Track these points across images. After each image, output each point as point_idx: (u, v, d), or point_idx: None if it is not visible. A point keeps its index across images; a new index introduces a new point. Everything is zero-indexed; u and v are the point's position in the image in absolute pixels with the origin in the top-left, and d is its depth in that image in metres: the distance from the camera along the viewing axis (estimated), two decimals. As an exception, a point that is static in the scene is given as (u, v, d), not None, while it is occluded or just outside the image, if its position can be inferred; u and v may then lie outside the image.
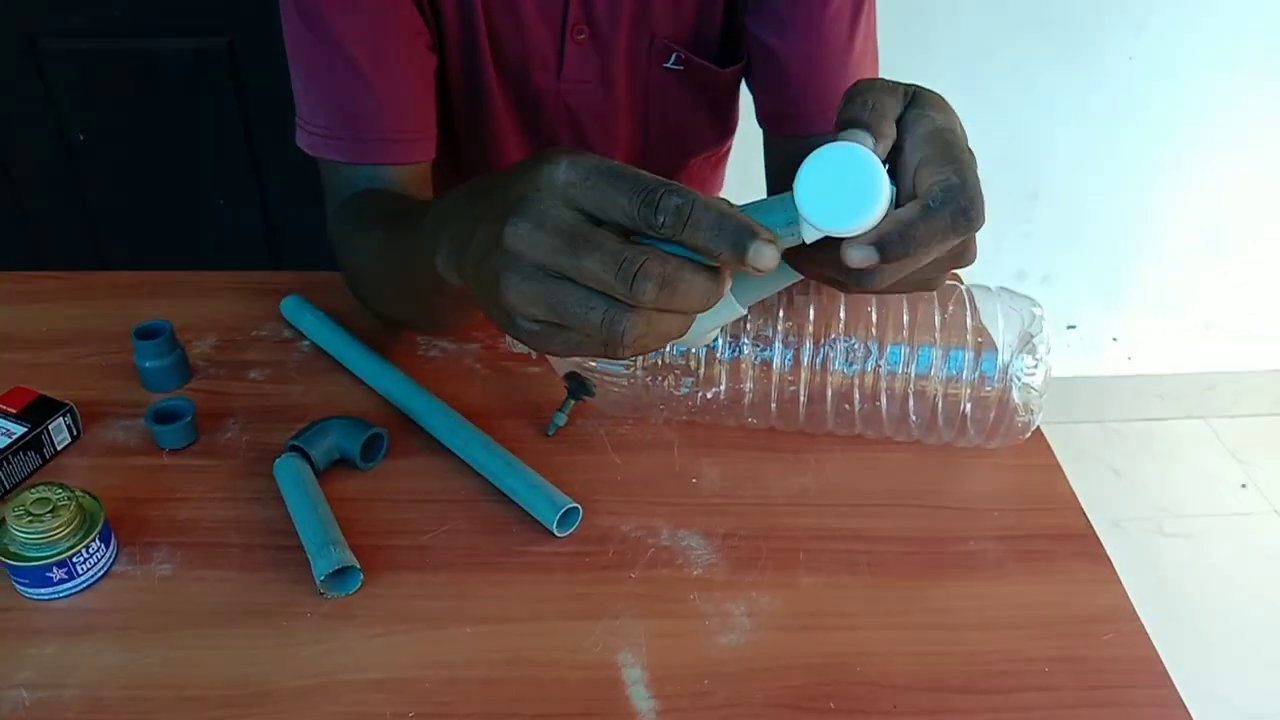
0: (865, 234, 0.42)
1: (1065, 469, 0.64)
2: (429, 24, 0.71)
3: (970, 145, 0.46)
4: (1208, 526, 1.69)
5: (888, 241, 0.42)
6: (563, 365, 0.62)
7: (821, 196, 0.40)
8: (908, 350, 0.58)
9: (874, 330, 0.59)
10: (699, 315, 0.42)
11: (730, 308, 0.47)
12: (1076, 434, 1.84)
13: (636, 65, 0.78)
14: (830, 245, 0.42)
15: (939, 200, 0.42)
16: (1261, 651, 1.48)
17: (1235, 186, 1.69)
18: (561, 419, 0.64)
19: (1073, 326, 1.81)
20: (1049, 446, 0.65)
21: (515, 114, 0.79)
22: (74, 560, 0.52)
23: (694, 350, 0.59)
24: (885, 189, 0.41)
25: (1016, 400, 0.59)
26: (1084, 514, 0.61)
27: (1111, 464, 1.80)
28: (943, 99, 0.48)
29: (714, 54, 0.79)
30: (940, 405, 0.59)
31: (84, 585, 0.53)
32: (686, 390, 0.60)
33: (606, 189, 0.39)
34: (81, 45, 1.35)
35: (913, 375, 0.58)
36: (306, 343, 0.70)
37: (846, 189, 0.40)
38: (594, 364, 0.60)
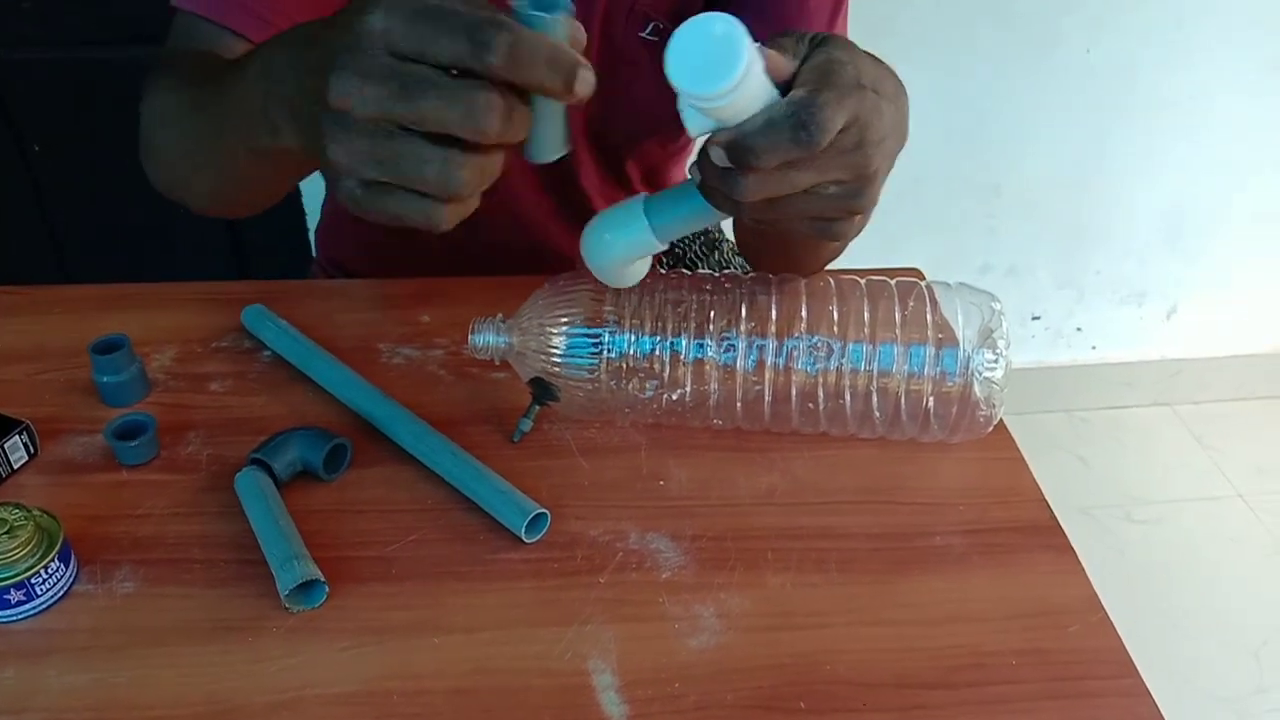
0: (720, 135, 0.45)
1: (1033, 458, 0.65)
2: None
3: (876, 85, 0.48)
4: (1174, 512, 1.71)
5: (731, 146, 0.44)
6: (527, 371, 0.61)
7: (687, 64, 0.43)
8: (869, 347, 0.59)
9: (836, 328, 0.59)
10: (621, 249, 0.46)
11: (648, 242, 0.52)
12: (1044, 423, 1.86)
13: (612, 28, 0.77)
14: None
15: (781, 112, 0.43)
16: (1228, 634, 1.50)
17: (1194, 176, 1.71)
18: (527, 425, 0.63)
19: (1037, 317, 1.83)
20: (1012, 439, 0.66)
21: None
22: (33, 581, 0.51)
23: (658, 352, 0.59)
24: (745, 54, 0.42)
25: (978, 394, 0.59)
26: (1048, 506, 0.61)
27: (1078, 452, 1.82)
28: (852, 44, 0.49)
29: None
30: (904, 401, 0.60)
31: (44, 606, 0.52)
32: (651, 393, 0.60)
33: (429, 30, 0.38)
34: (32, 56, 1.33)
35: (875, 372, 0.59)
36: (268, 353, 0.70)
37: (710, 56, 0.43)
38: (558, 368, 0.60)
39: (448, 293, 0.76)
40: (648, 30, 0.77)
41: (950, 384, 0.59)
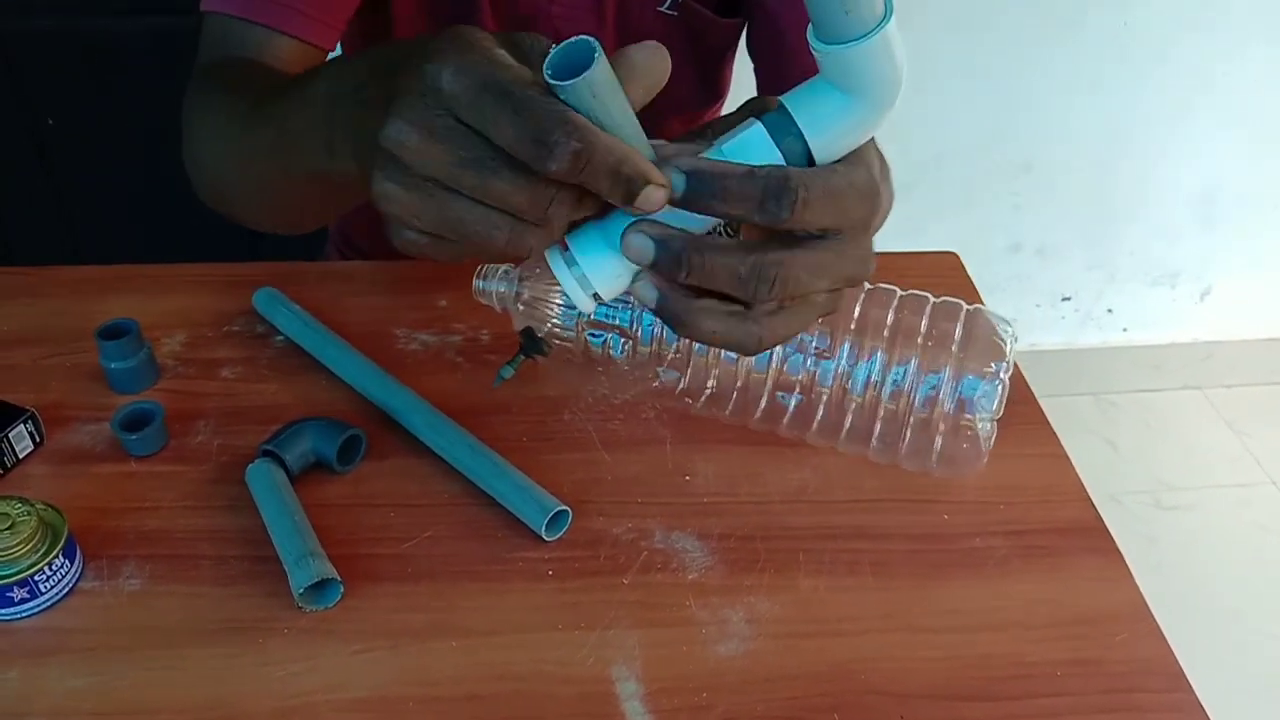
0: (680, 149, 0.40)
1: (1059, 436, 0.62)
2: None
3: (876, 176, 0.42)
4: (1205, 499, 1.67)
5: (695, 172, 0.38)
6: (520, 321, 0.59)
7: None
8: (883, 362, 0.54)
9: (856, 340, 0.54)
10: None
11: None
12: (1072, 407, 1.82)
13: (631, 2, 0.75)
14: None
15: (764, 171, 0.38)
16: (1260, 624, 1.47)
17: (1231, 153, 1.66)
18: (508, 372, 0.61)
19: (1067, 299, 1.79)
20: (1054, 435, 0.63)
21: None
22: (36, 578, 0.49)
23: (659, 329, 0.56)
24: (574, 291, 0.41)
25: (982, 431, 0.54)
26: (1092, 505, 0.58)
27: (1108, 437, 1.78)
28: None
29: (715, 3, 0.75)
30: (909, 431, 0.55)
31: (48, 604, 0.50)
32: (661, 378, 0.57)
33: (494, 111, 0.35)
34: (44, 25, 1.31)
35: (885, 393, 0.54)
36: (280, 338, 0.67)
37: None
38: (556, 321, 0.57)
39: (465, 275, 0.73)
40: (666, 4, 0.74)
41: (964, 416, 0.54)
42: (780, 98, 0.40)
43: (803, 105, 0.39)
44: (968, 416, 0.53)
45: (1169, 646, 0.51)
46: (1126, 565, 0.55)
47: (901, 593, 0.53)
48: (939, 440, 0.54)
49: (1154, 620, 0.52)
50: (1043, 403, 0.63)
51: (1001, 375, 0.53)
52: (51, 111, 1.39)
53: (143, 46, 1.32)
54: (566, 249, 0.41)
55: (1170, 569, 1.53)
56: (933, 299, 0.55)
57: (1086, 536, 0.56)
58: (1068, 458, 0.61)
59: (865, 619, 0.51)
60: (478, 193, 0.37)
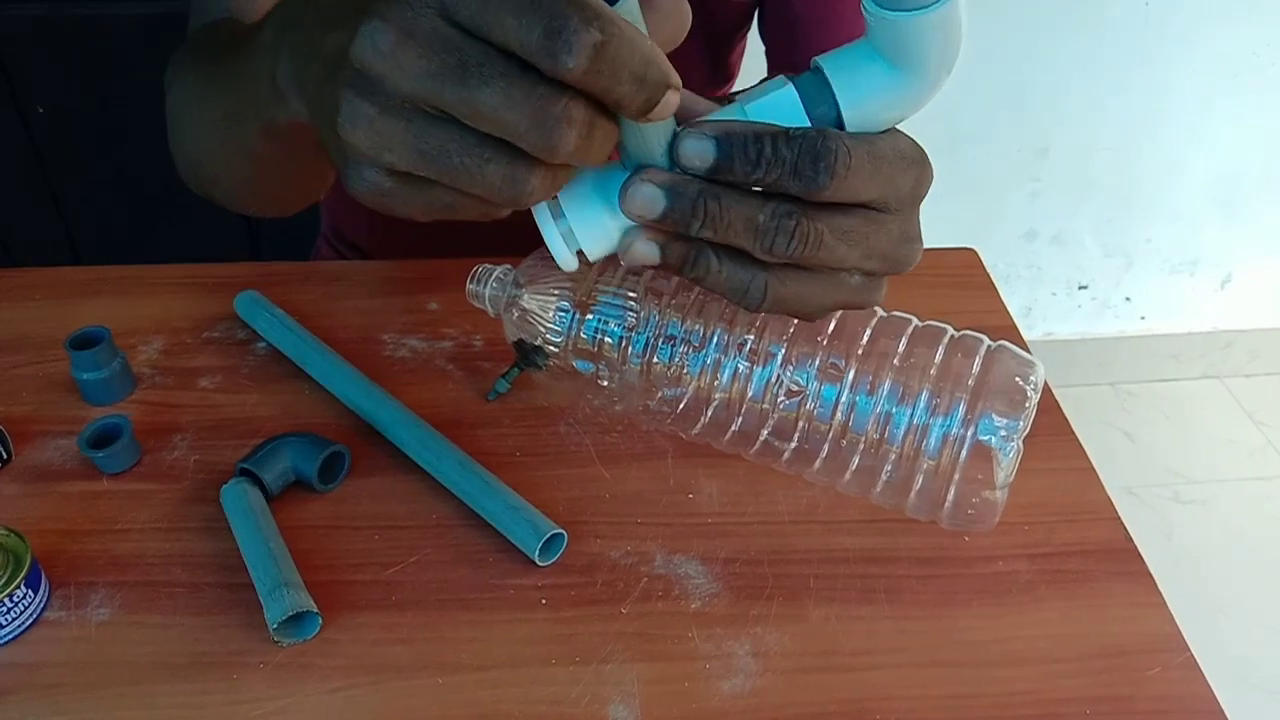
0: (709, 125, 0.35)
1: (1077, 434, 0.58)
2: None
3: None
4: (1224, 491, 1.63)
5: (727, 135, 0.34)
6: (513, 331, 0.56)
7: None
8: (886, 399, 0.48)
9: (862, 370, 0.49)
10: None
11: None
12: (1088, 397, 1.78)
13: None
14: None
15: (802, 132, 0.34)
16: (1278, 620, 1.43)
17: (1252, 140, 1.61)
18: (504, 386, 0.59)
19: (1084, 287, 1.75)
20: (1081, 447, 0.59)
21: None
22: (-5, 610, 0.46)
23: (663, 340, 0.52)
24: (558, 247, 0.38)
25: (990, 498, 0.48)
26: (1122, 525, 0.55)
27: (1124, 428, 1.74)
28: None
29: None
30: (912, 478, 0.49)
31: (8, 638, 0.47)
32: (660, 398, 0.53)
33: (495, 2, 0.29)
34: (32, 11, 1.27)
35: (887, 434, 0.48)
36: (263, 344, 0.64)
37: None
38: (554, 337, 0.53)
39: (458, 276, 0.70)
40: None
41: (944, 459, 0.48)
42: (817, 59, 0.36)
43: (842, 72, 0.35)
44: (978, 476, 0.47)
45: (1207, 683, 0.47)
46: (1159, 590, 0.52)
47: (917, 622, 0.49)
48: (948, 493, 0.48)
49: (1189, 651, 0.49)
50: (1059, 393, 0.60)
51: (1016, 438, 0.46)
52: (41, 99, 1.36)
53: (134, 33, 1.28)
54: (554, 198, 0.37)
55: (1187, 565, 1.50)
56: (951, 332, 0.50)
57: (1116, 559, 0.53)
58: (1094, 471, 0.58)
59: (879, 652, 0.48)
60: (466, 110, 0.30)
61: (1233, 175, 1.66)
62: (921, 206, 0.41)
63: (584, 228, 0.37)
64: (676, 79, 0.32)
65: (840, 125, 0.36)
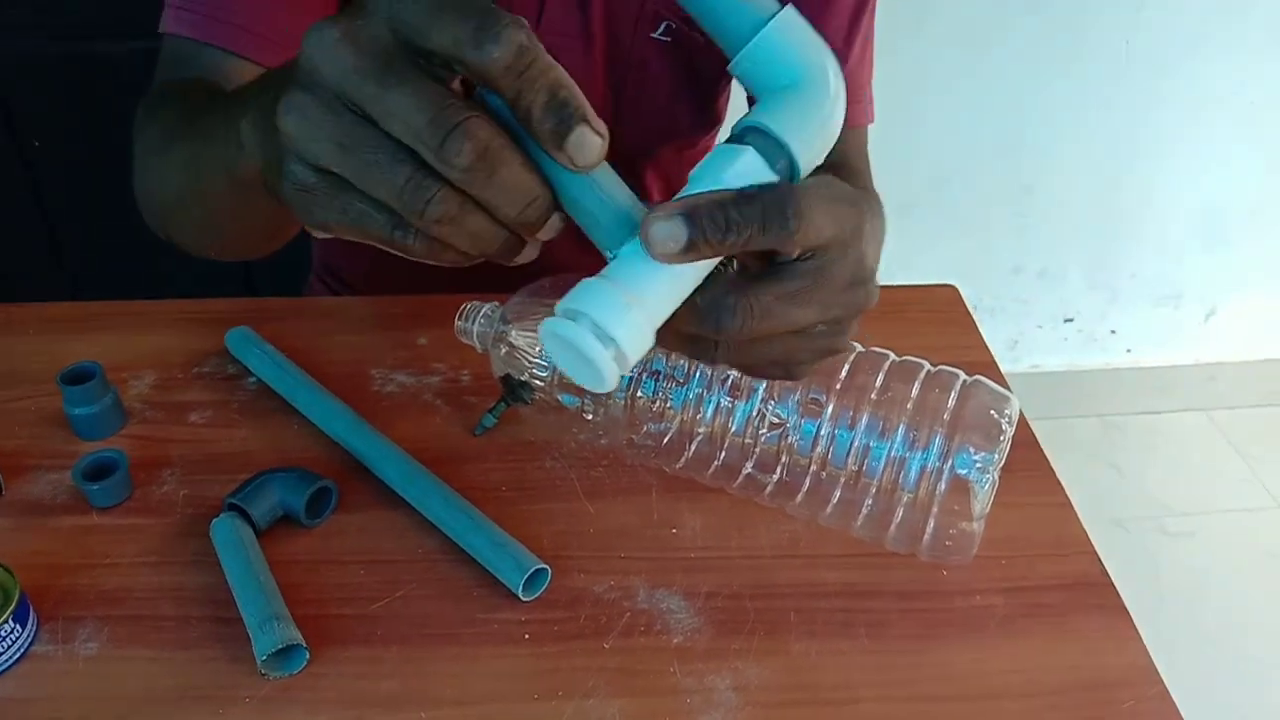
0: (671, 206, 0.35)
1: (1063, 467, 0.60)
2: None
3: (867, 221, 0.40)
4: (1211, 523, 1.64)
5: (694, 210, 0.34)
6: (499, 367, 0.57)
7: (565, 360, 0.35)
8: (863, 434, 0.49)
9: (839, 406, 0.50)
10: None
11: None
12: (1075, 430, 1.79)
13: (621, 28, 0.72)
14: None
15: (757, 188, 0.36)
16: (1267, 653, 1.44)
17: (1234, 174, 1.64)
18: (490, 421, 0.60)
19: (1070, 320, 1.76)
20: (1059, 483, 0.60)
21: None
22: (-17, 645, 0.47)
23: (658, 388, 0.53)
24: (608, 379, 0.35)
25: (967, 529, 0.50)
26: (1098, 559, 0.56)
27: (1111, 460, 1.75)
28: (845, 273, 0.40)
29: None
30: (902, 512, 0.50)
31: (-4, 672, 0.48)
32: (653, 432, 0.54)
33: (437, 5, 0.32)
34: (30, 48, 1.29)
35: (865, 467, 0.49)
36: (253, 379, 0.65)
37: (580, 362, 0.35)
38: (541, 373, 0.54)
39: (446, 312, 0.71)
40: (660, 31, 0.72)
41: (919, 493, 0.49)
42: (745, 121, 0.38)
43: (772, 115, 0.37)
44: (955, 508, 0.48)
45: (1179, 713, 0.48)
46: (1134, 624, 0.52)
47: (897, 656, 0.50)
48: (926, 525, 0.49)
49: (1163, 684, 0.49)
50: (1045, 426, 0.61)
51: (991, 470, 0.48)
52: (37, 134, 1.37)
53: (130, 69, 1.29)
54: (569, 319, 0.35)
55: (1174, 596, 1.50)
56: (928, 367, 0.51)
57: (1093, 593, 0.54)
58: (1072, 506, 0.59)
59: (859, 686, 0.49)
60: (375, 104, 0.32)
61: (1215, 209, 1.68)
62: (875, 251, 0.43)
63: (629, 337, 0.35)
64: (600, 125, 0.33)
65: (795, 169, 0.37)
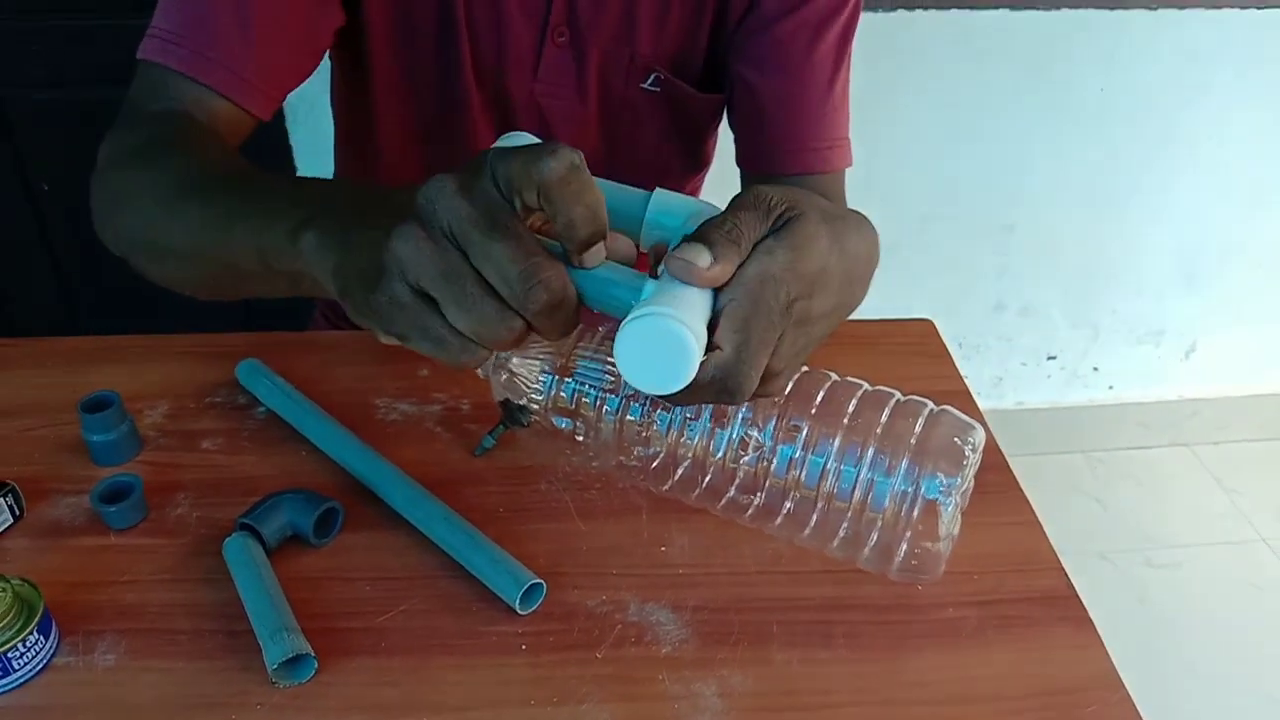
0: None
1: (1048, 501, 0.63)
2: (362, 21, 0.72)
3: (814, 285, 0.44)
4: (1195, 556, 1.67)
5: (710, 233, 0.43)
6: (500, 392, 0.60)
7: (637, 363, 0.41)
8: (833, 459, 0.52)
9: (824, 434, 0.52)
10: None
11: None
12: (1059, 465, 1.82)
13: (613, 80, 0.77)
14: None
15: (707, 374, 0.42)
16: (1251, 684, 1.46)
17: (1211, 211, 1.69)
18: (490, 442, 0.63)
19: (1053, 357, 1.81)
20: (1028, 501, 0.63)
21: (488, 113, 0.78)
22: (9, 655, 0.50)
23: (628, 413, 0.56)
24: (692, 362, 0.41)
25: (933, 549, 0.52)
26: (1065, 574, 0.59)
27: (1095, 495, 1.79)
28: (820, 230, 0.44)
29: (696, 79, 0.78)
30: (873, 533, 0.52)
31: (20, 681, 0.50)
32: (640, 457, 0.57)
33: (487, 244, 0.40)
34: (41, 96, 1.33)
35: (836, 490, 0.52)
36: (262, 409, 0.68)
37: (659, 359, 0.41)
38: (537, 397, 0.57)
39: (447, 345, 0.75)
40: (649, 81, 0.76)
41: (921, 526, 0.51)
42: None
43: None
44: (921, 529, 0.51)
45: (1138, 713, 0.51)
46: (1098, 634, 0.55)
47: (874, 665, 0.53)
48: (897, 546, 0.52)
49: (1124, 689, 0.52)
50: (1030, 461, 0.63)
51: (955, 494, 0.50)
52: (46, 176, 1.41)
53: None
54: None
55: (1159, 629, 1.53)
56: (898, 396, 0.54)
57: (1059, 606, 0.57)
58: (1040, 525, 0.62)
59: (838, 692, 0.51)
60: (479, 247, 0.40)
61: (1194, 248, 1.73)
62: (854, 246, 0.48)
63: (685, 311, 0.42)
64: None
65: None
